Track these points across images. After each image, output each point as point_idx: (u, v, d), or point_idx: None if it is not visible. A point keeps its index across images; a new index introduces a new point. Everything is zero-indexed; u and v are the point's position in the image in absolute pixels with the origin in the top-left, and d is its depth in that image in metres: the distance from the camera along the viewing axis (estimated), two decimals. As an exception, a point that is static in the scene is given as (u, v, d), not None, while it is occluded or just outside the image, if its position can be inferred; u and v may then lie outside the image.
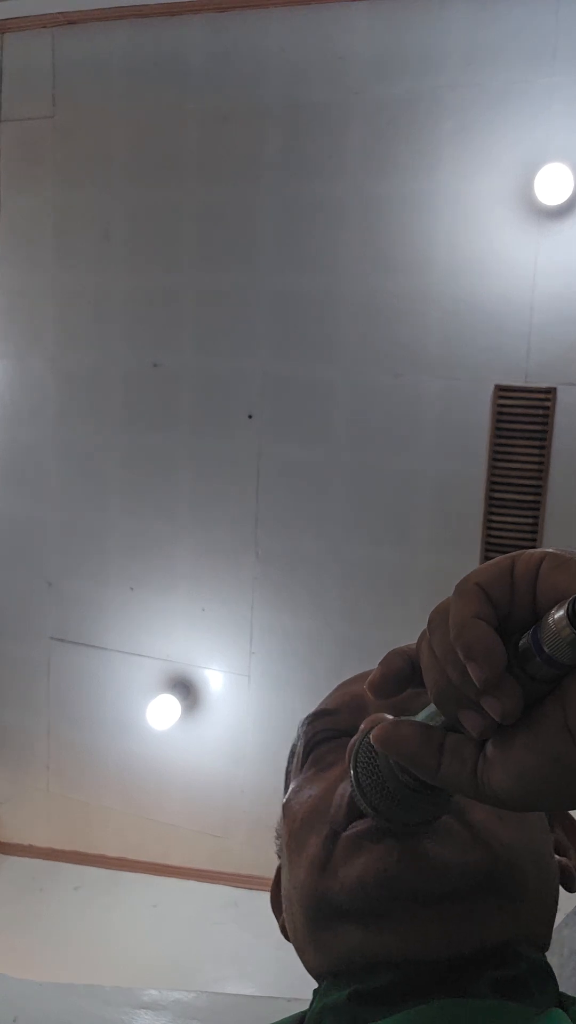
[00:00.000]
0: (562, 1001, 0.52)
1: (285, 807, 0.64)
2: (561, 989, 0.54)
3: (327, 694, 0.72)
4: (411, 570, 3.39)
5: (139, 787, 3.94)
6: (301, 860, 0.59)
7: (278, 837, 0.70)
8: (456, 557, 3.32)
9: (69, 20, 3.45)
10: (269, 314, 3.43)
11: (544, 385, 3.14)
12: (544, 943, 0.56)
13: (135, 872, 3.95)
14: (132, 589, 3.80)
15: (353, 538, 3.46)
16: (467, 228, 3.15)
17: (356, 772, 0.51)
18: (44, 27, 3.50)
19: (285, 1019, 0.57)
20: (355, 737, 0.53)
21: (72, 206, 3.64)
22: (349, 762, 0.51)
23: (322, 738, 0.66)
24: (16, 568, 3.99)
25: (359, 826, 0.55)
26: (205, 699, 3.78)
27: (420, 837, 0.53)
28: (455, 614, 0.41)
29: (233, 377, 3.51)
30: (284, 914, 0.65)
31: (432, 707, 0.44)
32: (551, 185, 2.97)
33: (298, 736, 0.70)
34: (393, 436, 3.35)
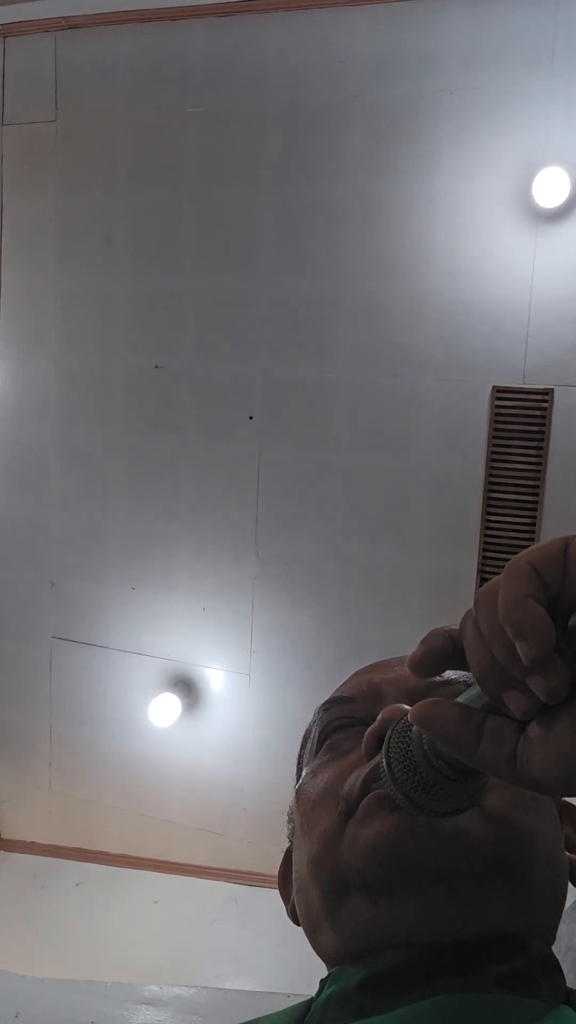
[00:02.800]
0: (569, 996, 0.52)
1: (299, 791, 0.65)
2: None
3: (330, 688, 0.72)
4: (410, 570, 3.41)
5: (140, 785, 3.95)
6: (314, 837, 0.59)
7: (290, 821, 0.70)
8: (455, 557, 3.33)
9: (71, 24, 3.46)
10: (270, 316, 3.45)
11: (541, 386, 3.15)
12: (551, 936, 0.56)
13: (136, 869, 3.96)
14: (133, 589, 3.82)
15: (353, 538, 3.47)
16: (466, 230, 3.16)
17: (388, 758, 0.50)
18: (47, 31, 3.51)
19: (290, 1007, 0.58)
20: (373, 725, 0.54)
21: (74, 209, 3.65)
22: (383, 749, 0.51)
23: (337, 725, 0.65)
24: (19, 568, 4.01)
25: (381, 791, 0.54)
26: (206, 698, 3.80)
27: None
28: (506, 592, 0.40)
29: (234, 378, 3.53)
30: (294, 896, 0.65)
31: (472, 691, 0.44)
32: (549, 187, 2.99)
33: (313, 722, 0.70)
34: (392, 437, 3.36)
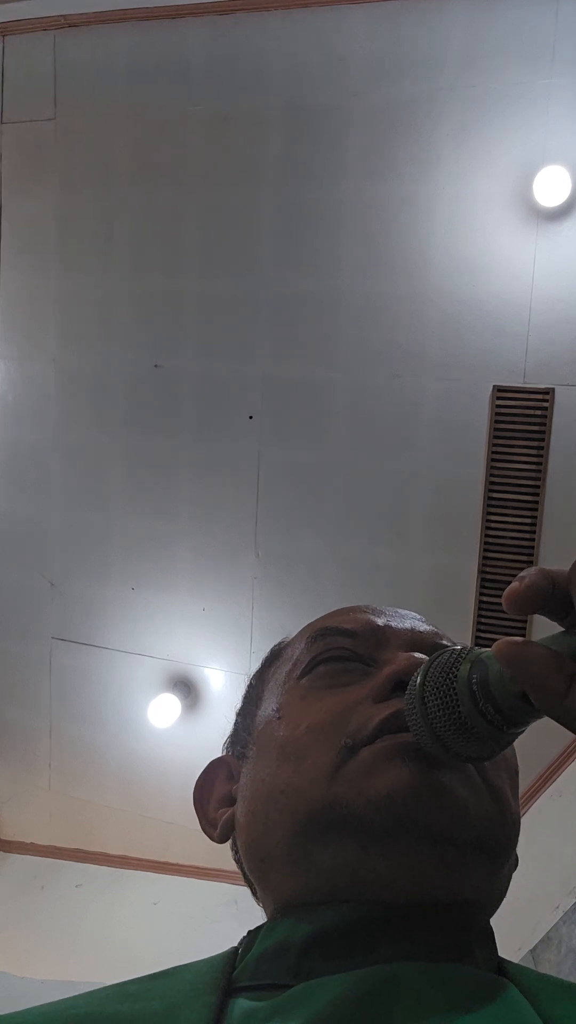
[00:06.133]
0: (502, 965, 0.52)
1: (280, 711, 0.61)
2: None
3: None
4: (410, 570, 3.41)
5: (140, 785, 3.95)
6: (301, 766, 0.56)
7: (237, 738, 0.67)
8: (455, 557, 3.33)
9: (70, 23, 3.46)
10: (270, 316, 3.45)
11: (542, 386, 3.15)
12: (493, 911, 0.56)
13: (136, 870, 3.96)
14: (133, 589, 3.81)
15: (352, 538, 3.47)
16: (466, 230, 3.16)
17: (424, 690, 0.49)
18: (45, 30, 3.51)
19: (213, 957, 0.55)
20: (395, 667, 0.52)
21: (74, 209, 3.64)
22: (419, 679, 0.50)
23: (335, 656, 0.62)
24: (18, 568, 4.00)
25: (398, 738, 0.52)
26: (206, 698, 3.79)
27: (449, 774, 0.52)
28: None
29: (234, 379, 3.53)
30: (236, 816, 0.62)
31: (559, 638, 0.43)
32: (549, 187, 2.99)
33: (288, 642, 0.68)
34: (392, 437, 3.36)
